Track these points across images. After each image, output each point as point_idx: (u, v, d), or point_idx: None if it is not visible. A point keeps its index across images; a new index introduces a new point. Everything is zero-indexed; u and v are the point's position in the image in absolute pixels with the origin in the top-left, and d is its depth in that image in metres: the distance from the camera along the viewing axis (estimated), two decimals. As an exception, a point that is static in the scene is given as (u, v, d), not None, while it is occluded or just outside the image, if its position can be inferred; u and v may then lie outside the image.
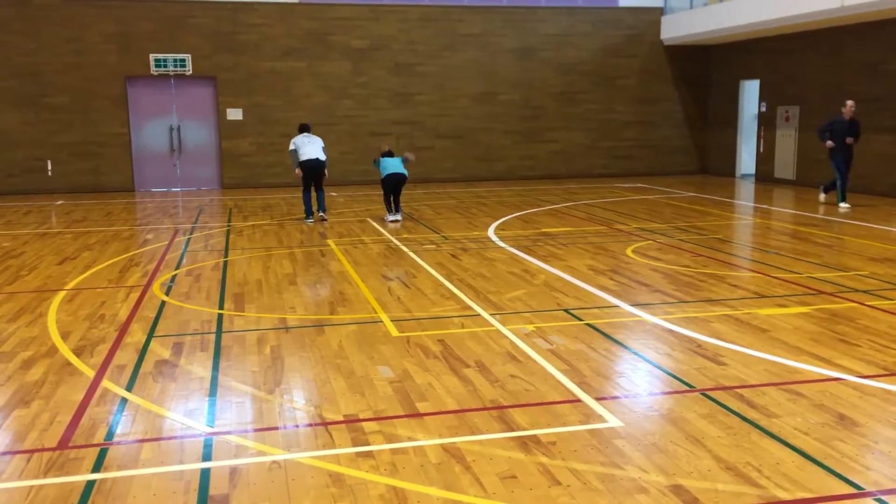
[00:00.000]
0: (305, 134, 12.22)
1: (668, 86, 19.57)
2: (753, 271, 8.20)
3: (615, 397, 4.64)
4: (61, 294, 7.34)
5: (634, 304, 6.75)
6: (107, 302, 7.01)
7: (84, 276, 8.20)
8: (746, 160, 18.95)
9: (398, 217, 12.06)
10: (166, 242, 10.31)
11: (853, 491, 3.45)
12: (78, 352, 5.55)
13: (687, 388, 4.77)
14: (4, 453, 3.90)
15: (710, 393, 4.66)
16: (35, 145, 16.70)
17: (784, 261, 8.61)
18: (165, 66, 17.05)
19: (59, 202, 15.14)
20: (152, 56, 16.95)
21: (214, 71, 17.33)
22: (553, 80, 18.95)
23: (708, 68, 19.68)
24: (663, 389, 4.81)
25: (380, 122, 18.23)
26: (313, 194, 12.21)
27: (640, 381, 4.95)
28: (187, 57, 17.12)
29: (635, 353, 5.47)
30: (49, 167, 16.84)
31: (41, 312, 6.65)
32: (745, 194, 15.85)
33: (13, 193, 16.39)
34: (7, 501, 3.41)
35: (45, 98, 16.65)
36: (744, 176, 18.87)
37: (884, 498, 3.38)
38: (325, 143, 12.60)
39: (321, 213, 12.23)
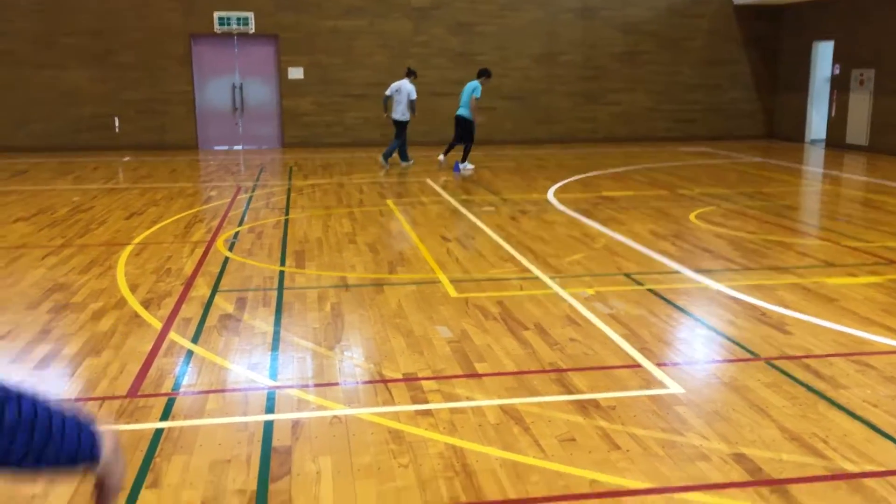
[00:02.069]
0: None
1: (736, 47, 18.95)
2: (822, 239, 7.96)
3: (676, 364, 4.58)
4: (129, 248, 7.54)
5: (697, 271, 6.62)
6: (172, 256, 7.17)
7: (150, 230, 8.40)
8: (817, 125, 18.31)
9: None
10: (229, 200, 10.48)
11: (924, 466, 3.35)
12: (146, 304, 5.70)
13: (751, 356, 4.68)
14: (78, 399, 4.04)
15: (774, 362, 4.56)
16: (102, 102, 17.07)
17: (855, 229, 8.34)
18: (229, 24, 17.17)
19: (126, 158, 15.49)
20: (216, 14, 17.08)
21: (276, 29, 17.40)
22: (616, 40, 18.51)
23: (779, 29, 18.98)
24: (726, 357, 4.73)
25: (440, 81, 18.10)
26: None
27: (701, 348, 4.87)
28: (250, 15, 17.21)
29: (697, 320, 5.38)
30: (116, 124, 17.21)
31: (110, 265, 6.85)
32: (815, 160, 15.36)
33: (81, 149, 16.82)
34: (81, 445, 3.53)
35: (112, 56, 16.96)
36: (813, 141, 18.26)
37: (957, 475, 3.27)
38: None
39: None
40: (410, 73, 14.09)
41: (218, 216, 9.27)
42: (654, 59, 18.73)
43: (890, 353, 4.70)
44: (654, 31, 18.59)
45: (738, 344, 4.90)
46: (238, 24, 17.22)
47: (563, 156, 15.77)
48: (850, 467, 3.34)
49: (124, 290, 6.07)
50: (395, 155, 14.10)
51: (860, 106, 16.61)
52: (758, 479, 3.24)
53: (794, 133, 18.70)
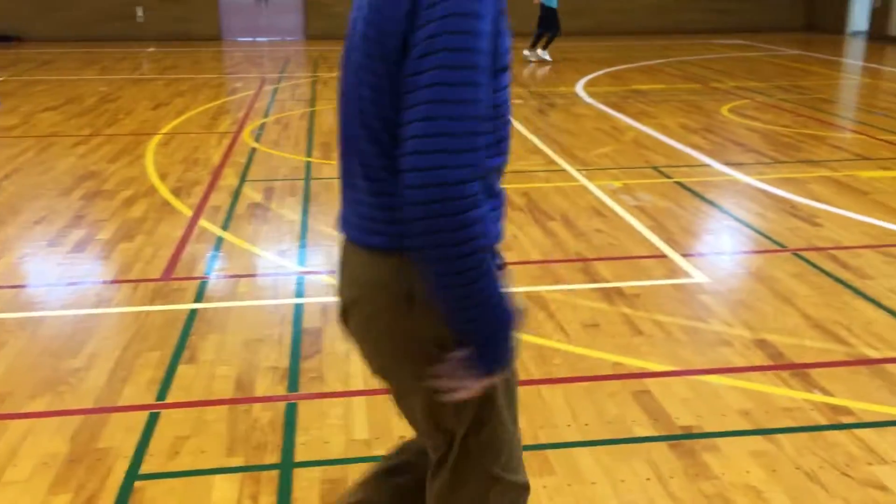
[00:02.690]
0: None
1: (779, -68, 18.04)
2: (857, 132, 7.78)
3: (702, 254, 4.59)
4: (157, 138, 7.56)
5: (727, 164, 6.53)
6: (200, 147, 7.19)
7: (177, 121, 8.40)
8: (859, 15, 17.58)
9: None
10: (254, 91, 10.40)
11: (947, 354, 3.38)
12: (176, 192, 5.76)
13: (778, 247, 4.67)
14: (114, 281, 4.16)
15: (802, 253, 4.55)
16: (124, -8, 16.77)
17: (891, 122, 8.13)
18: None
19: (150, 49, 15.33)
20: None
21: (298, -86, 16.81)
22: (653, -75, 17.68)
23: (826, -88, 17.99)
24: (753, 248, 4.72)
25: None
26: None
27: (728, 239, 4.87)
28: None
29: (725, 212, 5.35)
30: (139, 14, 16.95)
31: (139, 154, 6.89)
32: (855, 52, 14.83)
33: (105, 40, 16.64)
34: (118, 324, 3.66)
35: (132, -57, 16.54)
36: (855, 33, 17.58)
37: (979, 362, 3.30)
38: None
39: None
40: None
41: (243, 107, 9.23)
42: (692, -55, 17.91)
43: (920, 245, 4.67)
44: (692, -84, 17.71)
45: (765, 235, 4.88)
46: None
47: (593, 48, 15.36)
48: (872, 353, 3.37)
49: (154, 178, 6.13)
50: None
51: (906, -4, 15.87)
52: (779, 364, 3.29)
53: (834, 24, 17.99)
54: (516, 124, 8.10)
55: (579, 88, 10.49)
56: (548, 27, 13.19)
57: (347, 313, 1.55)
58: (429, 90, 1.25)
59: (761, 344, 3.47)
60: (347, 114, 1.47)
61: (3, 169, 6.40)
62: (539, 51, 13.28)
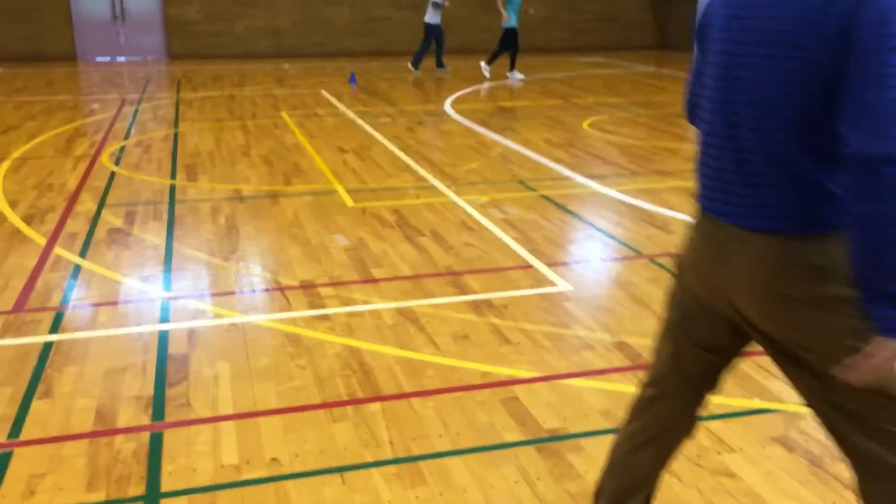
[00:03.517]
0: None
1: (630, -44, 19.05)
2: (706, 145, 8.29)
3: (566, 263, 4.77)
4: (6, 163, 7.15)
5: (588, 176, 6.83)
6: (54, 171, 6.86)
7: (29, 145, 7.97)
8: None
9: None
10: (113, 113, 10.01)
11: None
12: (28, 220, 5.47)
13: (635, 254, 4.92)
14: (-41, 317, 3.90)
15: (657, 259, 4.81)
16: (-33, 9, 15.79)
17: (736, 135, 8.71)
18: (103, -76, 16.01)
19: (-2, 71, 14.49)
20: (88, -87, 15.89)
21: (156, -69, 16.35)
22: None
23: (671, -62, 19.15)
24: (613, 256, 4.95)
25: (333, -10, 17.54)
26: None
27: (590, 248, 5.08)
28: (126, -85, 16.08)
29: (587, 223, 5.58)
30: (-16, 33, 15.99)
31: (-14, 181, 6.50)
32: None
33: (-53, 61, 15.62)
34: (-35, 361, 3.44)
35: (-26, -42, 15.62)
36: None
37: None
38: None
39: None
40: None
41: (102, 130, 8.87)
42: (550, -32, 18.63)
43: (761, 247, 5.02)
44: (550, -61, 18.45)
45: (624, 244, 5.13)
46: (114, -75, 16.07)
47: (461, 66, 15.69)
48: (720, 350, 3.60)
49: (3, 205, 5.80)
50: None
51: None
52: (637, 364, 3.47)
53: (685, 42, 19.12)
54: (384, 143, 8.17)
55: (447, 106, 10.69)
56: (506, 46, 13.60)
57: (750, 304, 1.72)
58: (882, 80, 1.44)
59: (621, 346, 3.64)
60: (748, 111, 1.63)
61: None
62: (484, 64, 13.89)
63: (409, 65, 14.52)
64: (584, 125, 9.29)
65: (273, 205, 5.95)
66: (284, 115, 9.96)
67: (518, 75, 13.73)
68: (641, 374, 3.33)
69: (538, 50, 18.85)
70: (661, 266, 4.68)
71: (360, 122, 9.44)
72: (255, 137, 8.49)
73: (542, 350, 3.61)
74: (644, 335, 3.75)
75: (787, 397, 3.19)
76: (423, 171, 6.95)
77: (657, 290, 4.32)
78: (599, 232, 5.38)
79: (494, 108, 10.49)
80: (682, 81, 13.61)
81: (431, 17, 13.98)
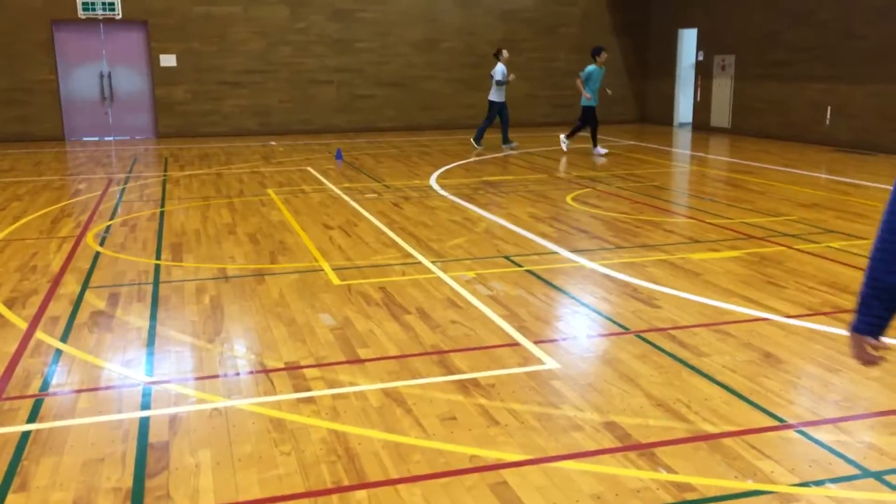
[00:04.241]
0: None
1: (608, 34, 19.60)
2: (688, 217, 8.39)
3: (553, 340, 4.75)
4: (-10, 246, 7.12)
5: (573, 251, 6.86)
6: (38, 253, 6.83)
7: (14, 226, 7.96)
8: (684, 109, 19.22)
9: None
10: (99, 192, 10.04)
11: (776, 423, 3.62)
12: (9, 303, 5.42)
13: (622, 330, 4.91)
14: (-66, 406, 3.82)
15: (644, 334, 4.80)
16: (-44, 92, 15.96)
17: (717, 207, 8.83)
18: (93, 9, 16.37)
19: (-15, 152, 14.56)
20: (79, -2, 16.24)
21: (145, 15, 16.73)
22: (495, 27, 18.81)
23: (647, 16, 19.77)
24: (599, 332, 4.94)
25: (320, 69, 17.91)
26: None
27: (577, 324, 5.07)
28: (116, 0, 16.46)
29: (573, 298, 5.58)
30: (-28, 115, 16.13)
31: (-31, 264, 6.46)
32: (683, 142, 16.11)
33: (-65, 143, 15.70)
34: (-61, 454, 3.35)
35: (-35, 42, 15.87)
36: (681, 125, 19.15)
37: (805, 430, 3.55)
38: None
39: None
40: (496, 54, 14.47)
41: (88, 210, 8.88)
42: (532, 46, 19.14)
43: (747, 321, 5.03)
44: (531, 19, 19.00)
45: (610, 319, 5.12)
46: (104, 10, 16.44)
47: (446, 142, 15.92)
48: (711, 429, 3.57)
49: (-15, 289, 5.75)
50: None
51: (722, 90, 17.53)
52: (626, 445, 3.42)
53: (663, 117, 19.55)
54: (372, 219, 8.21)
55: (433, 181, 10.80)
56: (586, 122, 13.79)
57: None
58: None
59: (610, 426, 3.60)
60: None
61: None
62: (563, 137, 14.21)
63: (472, 140, 14.61)
64: (568, 199, 9.39)
65: (258, 283, 5.93)
66: (271, 192, 10.02)
67: (601, 150, 13.66)
68: (632, 456, 3.28)
69: (521, 124, 19.20)
70: (647, 342, 4.67)
71: (346, 198, 9.50)
72: (242, 215, 8.52)
73: (531, 431, 3.56)
74: (633, 414, 3.71)
75: (780, 478, 3.14)
76: (409, 247, 6.97)
77: (644, 366, 4.30)
78: (585, 307, 5.37)
79: (479, 183, 10.60)
80: (663, 154, 13.84)
81: (496, 94, 14.24)
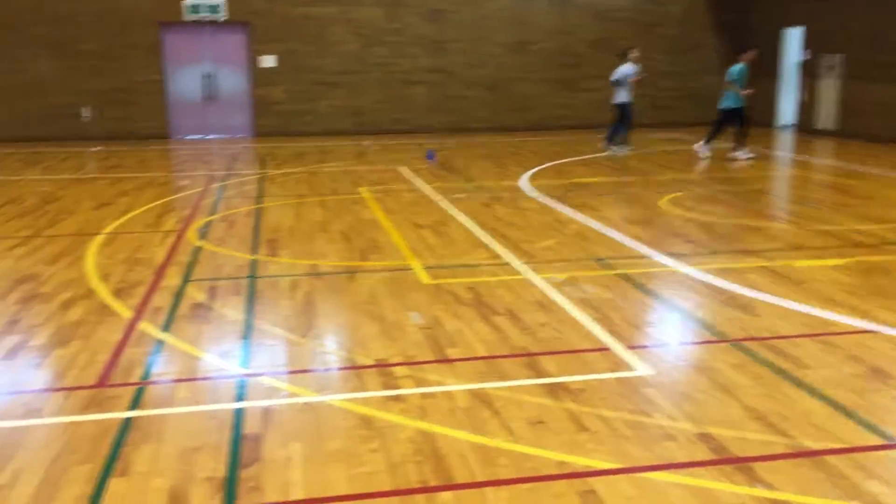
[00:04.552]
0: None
1: (707, 34, 19.06)
2: (791, 222, 8.06)
3: (645, 346, 4.63)
4: (99, 238, 7.47)
5: (667, 254, 6.69)
6: (143, 246, 7.11)
7: (121, 220, 8.32)
8: (786, 110, 18.49)
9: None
10: (201, 189, 10.40)
11: (886, 442, 3.42)
12: (116, 294, 5.66)
13: (718, 338, 4.74)
14: (45, 390, 4.01)
15: (741, 343, 4.62)
16: (70, 92, 16.81)
17: (823, 212, 8.45)
18: (199, 11, 16.98)
19: (96, 148, 15.31)
20: (186, 1, 16.88)
21: (248, 17, 17.24)
22: (590, 27, 18.55)
23: (749, 16, 19.11)
24: (694, 339, 4.79)
25: (413, 70, 18.06)
26: None
27: (670, 330, 4.93)
28: (221, 2, 17.02)
29: (667, 303, 5.44)
30: (84, 114, 16.98)
31: (79, 255, 6.78)
32: (785, 145, 15.51)
33: (49, 140, 16.59)
34: (47, 436, 3.52)
35: (79, 44, 16.70)
36: (783, 126, 18.44)
37: (916, 450, 3.35)
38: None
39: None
40: (623, 55, 14.06)
41: (189, 205, 9.20)
42: (628, 46, 18.78)
43: (854, 332, 4.78)
44: (627, 19, 18.65)
45: (705, 326, 4.96)
46: (209, 12, 17.03)
47: (538, 143, 15.81)
48: (813, 445, 3.40)
49: (94, 279, 6.02)
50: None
51: (829, 91, 16.79)
52: (722, 458, 3.30)
53: (764, 118, 18.85)
54: (462, 219, 8.22)
55: (523, 182, 10.73)
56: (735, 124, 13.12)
57: None
58: None
59: (704, 438, 3.48)
60: None
61: (-64, 273, 6.23)
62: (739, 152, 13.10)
63: (606, 142, 14.06)
64: (663, 202, 9.17)
65: (350, 281, 6.01)
66: (363, 190, 10.16)
67: (742, 154, 12.85)
68: (728, 470, 3.15)
69: (615, 126, 18.85)
70: (745, 351, 4.49)
71: (437, 197, 9.54)
72: (335, 213, 8.66)
73: (622, 439, 3.47)
74: (730, 426, 3.58)
75: (890, 501, 2.96)
76: (499, 248, 6.94)
77: (742, 376, 4.14)
78: (680, 313, 5.22)
79: (571, 185, 10.48)
80: (763, 157, 13.35)
81: (624, 95, 13.82)
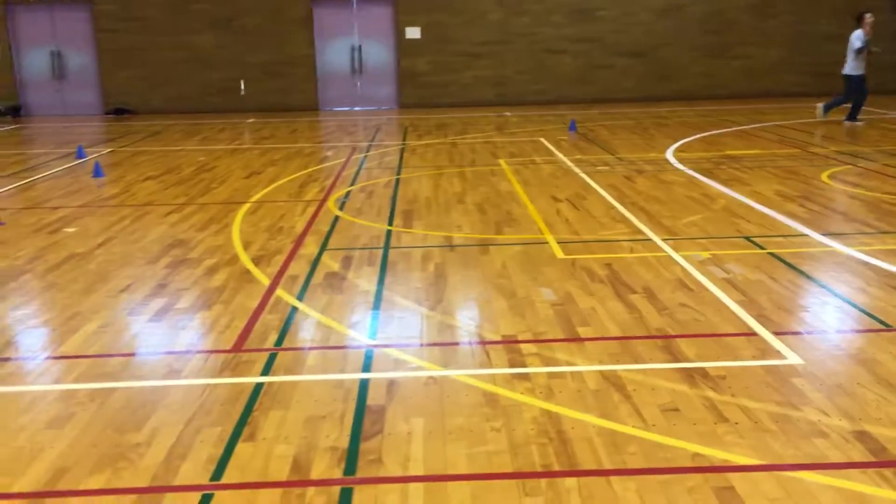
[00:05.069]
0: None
1: (882, -7, 17.47)
2: (973, 201, 7.26)
3: (797, 333, 4.27)
4: (246, 206, 7.75)
5: (826, 234, 6.17)
6: (286, 215, 7.32)
7: (267, 189, 8.61)
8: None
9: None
10: (344, 159, 10.61)
11: None
12: (256, 261, 5.84)
13: (883, 326, 4.31)
14: (186, 352, 4.18)
15: (909, 334, 4.18)
16: (229, 66, 17.61)
17: None
18: (347, -15, 17.27)
19: (251, 120, 15.97)
20: (334, -24, 17.22)
21: (393, -11, 17.39)
22: (747, -10, 17.43)
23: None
24: (854, 327, 4.37)
25: (556, 38, 17.66)
26: None
27: (826, 316, 4.53)
28: (368, -24, 17.25)
29: (823, 287, 5.00)
30: (242, 87, 17.75)
31: (227, 223, 7.06)
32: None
33: (210, 112, 17.47)
34: (184, 397, 3.65)
35: (237, 20, 17.43)
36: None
37: None
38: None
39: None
40: (858, 18, 12.62)
41: (332, 176, 9.40)
42: (788, 8, 17.56)
43: None
44: (789, -21, 17.39)
45: (867, 313, 4.52)
46: (356, -15, 17.29)
47: (686, 113, 15.10)
48: None
49: (238, 247, 6.24)
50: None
51: None
52: (882, 460, 2.97)
53: (946, 86, 17.12)
54: (602, 192, 7.93)
55: (669, 154, 10.25)
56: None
57: None
58: None
59: (861, 436, 3.15)
60: None
61: (99, 237, 6.65)
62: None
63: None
64: (824, 177, 8.49)
65: (482, 253, 5.92)
66: (502, 162, 10.03)
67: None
68: (888, 474, 2.84)
69: (771, 95, 17.73)
70: (914, 343, 4.05)
71: (577, 170, 9.28)
72: (472, 184, 8.59)
73: (765, 433, 3.20)
74: (892, 425, 3.22)
75: None
76: (639, 223, 6.64)
77: (909, 371, 3.73)
78: (838, 298, 4.79)
79: (721, 157, 9.90)
80: (944, 128, 12.13)
81: (852, 66, 12.44)
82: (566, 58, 17.77)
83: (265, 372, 3.90)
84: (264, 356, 4.09)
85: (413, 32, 17.62)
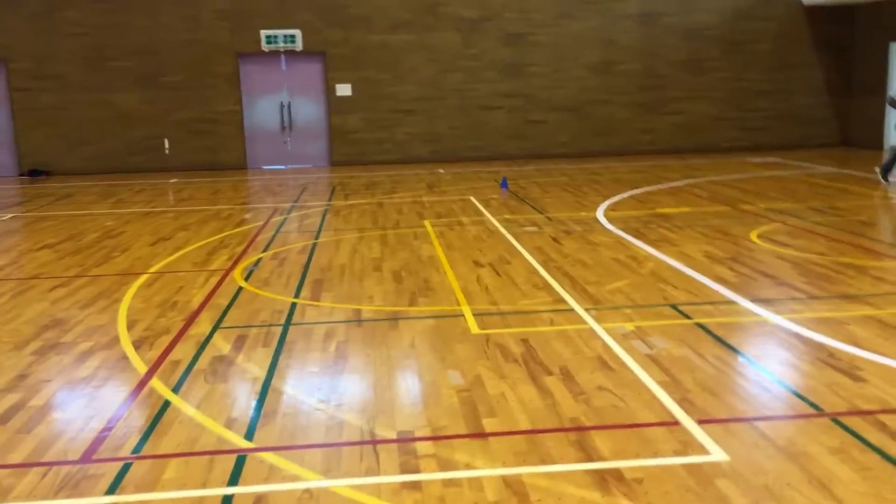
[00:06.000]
0: None
1: (806, 50, 17.82)
2: (902, 261, 7.06)
3: (722, 421, 3.87)
4: (143, 278, 7.16)
5: (755, 301, 5.85)
6: (184, 287, 6.75)
7: (171, 258, 8.02)
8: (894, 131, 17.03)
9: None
10: (262, 222, 10.09)
11: None
12: (138, 344, 5.25)
13: (814, 410, 3.94)
14: (23, 465, 3.57)
15: (842, 419, 3.81)
16: (153, 124, 17.00)
17: (941, 248, 7.40)
18: (276, 42, 16.95)
19: (173, 180, 15.36)
20: (263, 32, 16.87)
21: (324, 46, 17.10)
22: (678, 47, 17.60)
23: (852, 30, 17.78)
24: (784, 412, 3.99)
25: (490, 95, 17.53)
26: None
27: (754, 399, 4.14)
28: (297, 32, 16.95)
29: (751, 363, 4.64)
30: (166, 145, 17.14)
31: (117, 298, 6.46)
32: (894, 170, 14.16)
33: (133, 171, 16.79)
34: (4, 527, 3.06)
35: (162, 77, 16.89)
36: (892, 148, 16.96)
37: None
38: None
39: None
40: None
41: (245, 241, 8.86)
42: (719, 65, 17.76)
43: None
44: (717, 37, 17.63)
45: (798, 394, 4.15)
46: (285, 42, 16.98)
47: (620, 169, 14.99)
48: (938, 576, 2.60)
49: (121, 327, 5.65)
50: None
51: (945, 109, 15.32)
52: None
53: (870, 140, 17.44)
54: (527, 255, 7.55)
55: (600, 213, 9.98)
56: None
57: None
58: None
59: (791, 559, 2.72)
60: None
61: (-31, 317, 5.99)
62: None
63: (878, 169, 12.41)
64: (753, 235, 8.27)
65: (392, 329, 5.44)
66: (427, 224, 9.62)
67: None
68: None
69: (705, 150, 17.82)
70: (847, 430, 3.68)
71: (504, 231, 8.91)
72: (392, 249, 8.14)
73: (683, 556, 2.75)
74: (825, 542, 2.80)
75: None
76: (562, 291, 6.25)
77: (843, 465, 3.34)
78: (767, 376, 4.42)
79: (651, 216, 9.66)
80: (869, 183, 12.16)
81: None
82: (500, 113, 17.64)
83: (111, 490, 3.32)
84: (115, 468, 3.51)
85: (344, 89, 17.31)
